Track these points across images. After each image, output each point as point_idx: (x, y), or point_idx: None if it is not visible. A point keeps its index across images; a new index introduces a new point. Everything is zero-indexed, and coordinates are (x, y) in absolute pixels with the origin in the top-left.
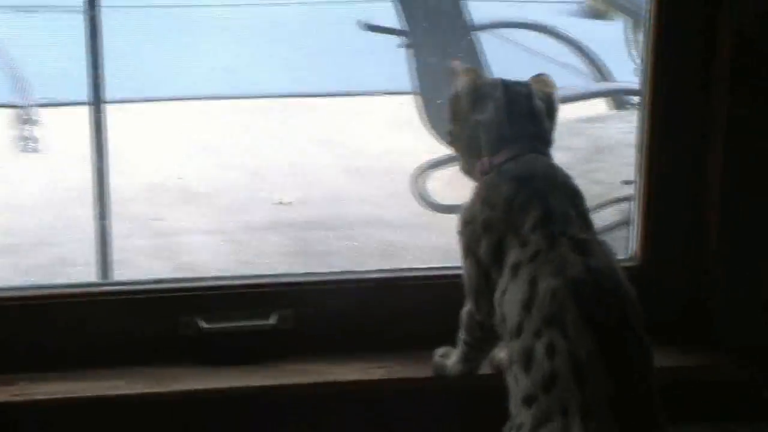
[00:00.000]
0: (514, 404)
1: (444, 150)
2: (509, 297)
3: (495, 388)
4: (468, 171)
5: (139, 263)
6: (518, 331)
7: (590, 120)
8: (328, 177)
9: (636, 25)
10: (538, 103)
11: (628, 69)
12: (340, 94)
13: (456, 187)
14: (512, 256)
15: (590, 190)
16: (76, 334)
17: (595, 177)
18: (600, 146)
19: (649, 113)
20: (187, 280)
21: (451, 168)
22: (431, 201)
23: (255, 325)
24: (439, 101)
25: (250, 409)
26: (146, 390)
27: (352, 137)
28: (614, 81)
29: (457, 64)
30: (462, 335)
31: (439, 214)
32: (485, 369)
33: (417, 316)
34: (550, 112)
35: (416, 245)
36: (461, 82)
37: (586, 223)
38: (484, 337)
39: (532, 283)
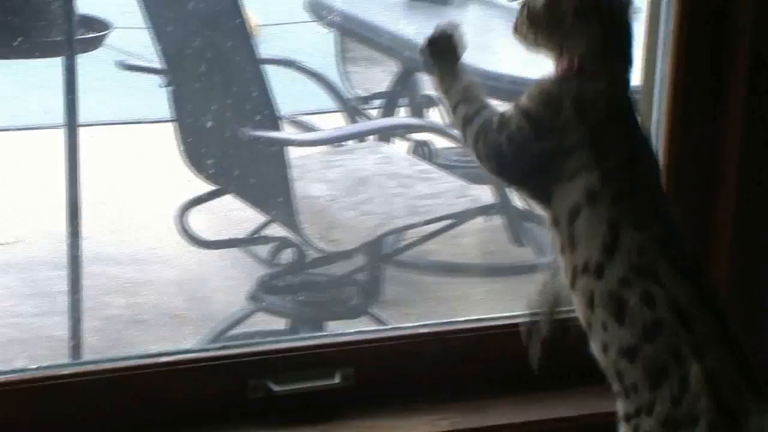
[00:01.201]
0: (609, 353)
1: (202, 186)
2: (584, 225)
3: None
4: (532, 41)
5: None
6: (598, 272)
7: (339, 152)
8: (54, 213)
9: (343, 43)
10: (632, 24)
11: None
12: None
13: (217, 222)
14: (586, 178)
15: (364, 222)
16: (150, 402)
17: (364, 209)
18: (358, 178)
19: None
20: (254, 343)
21: (212, 203)
22: (195, 236)
23: (322, 384)
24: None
25: None
26: None
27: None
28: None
29: None
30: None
31: (173, 250)
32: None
33: (472, 366)
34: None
35: (151, 280)
36: None
37: (660, 173)
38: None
39: (613, 228)
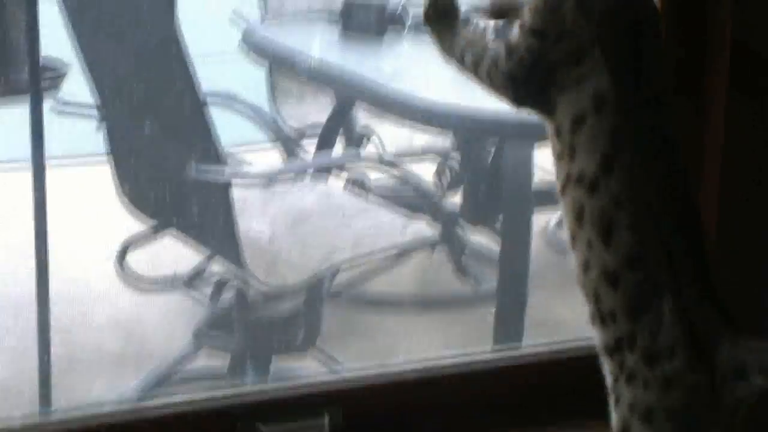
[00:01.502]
0: (590, 273)
1: (141, 225)
2: (586, 134)
3: None
4: None
5: None
6: (592, 187)
7: (278, 188)
8: None
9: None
10: None
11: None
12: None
13: (155, 261)
14: (595, 81)
15: (307, 258)
16: None
17: (306, 244)
18: (298, 213)
19: None
20: (242, 385)
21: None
22: (134, 278)
23: (311, 425)
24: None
25: None
26: None
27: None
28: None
29: None
30: None
31: (109, 288)
32: None
33: (460, 404)
34: None
35: (86, 320)
36: None
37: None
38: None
39: (615, 139)
